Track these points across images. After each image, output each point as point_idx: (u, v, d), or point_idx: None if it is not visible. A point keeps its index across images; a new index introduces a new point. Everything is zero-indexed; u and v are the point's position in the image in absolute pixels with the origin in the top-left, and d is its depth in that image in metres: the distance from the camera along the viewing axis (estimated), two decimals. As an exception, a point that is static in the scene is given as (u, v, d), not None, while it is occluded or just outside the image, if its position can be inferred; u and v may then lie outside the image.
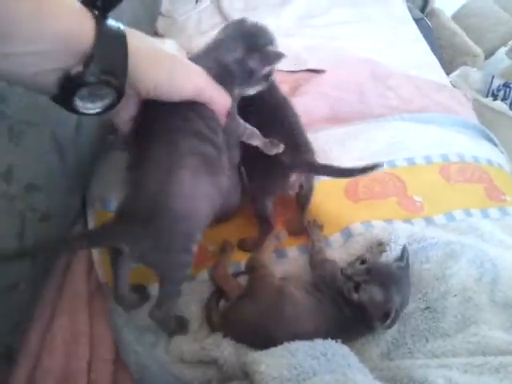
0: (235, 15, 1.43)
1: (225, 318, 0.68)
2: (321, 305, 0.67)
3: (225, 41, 0.66)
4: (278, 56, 0.67)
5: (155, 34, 1.33)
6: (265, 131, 0.74)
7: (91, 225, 0.80)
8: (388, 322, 0.62)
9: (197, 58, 0.63)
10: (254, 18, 1.41)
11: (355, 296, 0.65)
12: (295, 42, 1.36)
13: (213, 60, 0.64)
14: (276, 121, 0.80)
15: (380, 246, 0.79)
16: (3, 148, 0.61)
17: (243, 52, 0.65)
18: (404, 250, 0.73)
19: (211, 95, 0.61)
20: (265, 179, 0.81)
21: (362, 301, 0.64)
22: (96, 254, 0.78)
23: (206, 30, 1.40)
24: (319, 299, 0.68)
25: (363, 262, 0.69)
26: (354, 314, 0.66)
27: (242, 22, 0.68)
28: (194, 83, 0.58)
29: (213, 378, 0.65)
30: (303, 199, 0.86)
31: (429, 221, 0.88)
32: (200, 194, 0.59)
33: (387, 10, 1.63)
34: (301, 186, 0.83)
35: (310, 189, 0.85)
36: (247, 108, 0.74)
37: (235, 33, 0.66)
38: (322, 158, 0.98)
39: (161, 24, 1.40)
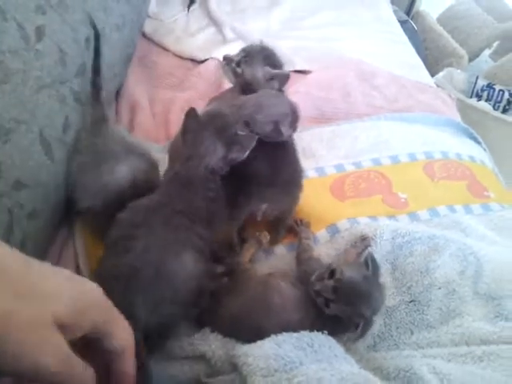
0: (223, 17, 1.45)
1: (211, 313, 0.69)
2: (305, 299, 0.68)
3: (204, 143, 0.68)
4: (252, 138, 0.71)
5: (143, 35, 1.34)
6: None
7: (77, 225, 0.80)
8: (357, 333, 0.63)
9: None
10: (241, 20, 1.44)
11: (326, 311, 0.65)
12: (283, 44, 1.37)
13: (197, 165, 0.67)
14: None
15: (364, 240, 0.81)
16: (-9, 145, 0.62)
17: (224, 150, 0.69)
18: (368, 257, 0.70)
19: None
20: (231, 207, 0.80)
21: (333, 313, 0.65)
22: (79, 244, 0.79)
23: (193, 32, 1.42)
24: (304, 293, 0.69)
25: (331, 274, 0.66)
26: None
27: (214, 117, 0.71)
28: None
29: (200, 372, 0.66)
30: (278, 222, 0.85)
31: (413, 216, 0.90)
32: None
33: (373, 13, 1.66)
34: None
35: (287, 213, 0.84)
36: None
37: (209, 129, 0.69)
38: (308, 157, 1.01)
39: (148, 26, 1.41)
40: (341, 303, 0.64)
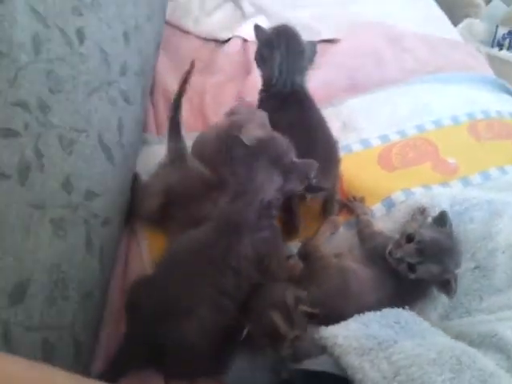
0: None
1: None
2: (379, 276, 0.69)
3: (258, 176, 0.64)
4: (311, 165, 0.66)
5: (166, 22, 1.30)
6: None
7: (139, 230, 0.81)
8: (453, 288, 0.64)
9: None
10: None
11: (412, 276, 0.66)
12: (304, 12, 1.34)
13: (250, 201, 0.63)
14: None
15: (423, 212, 0.81)
16: (58, 158, 0.62)
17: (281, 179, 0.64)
18: (443, 214, 0.72)
19: None
20: None
21: (420, 277, 0.66)
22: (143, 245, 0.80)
23: (210, 10, 1.38)
24: (376, 271, 0.70)
25: (410, 238, 0.68)
26: (411, 282, 0.68)
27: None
28: None
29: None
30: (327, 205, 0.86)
31: (465, 181, 0.90)
32: None
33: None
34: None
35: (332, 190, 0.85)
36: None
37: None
38: (350, 130, 1.00)
39: (164, 9, 1.37)
40: (428, 263, 0.65)
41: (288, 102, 0.86)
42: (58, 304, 0.55)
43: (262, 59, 0.88)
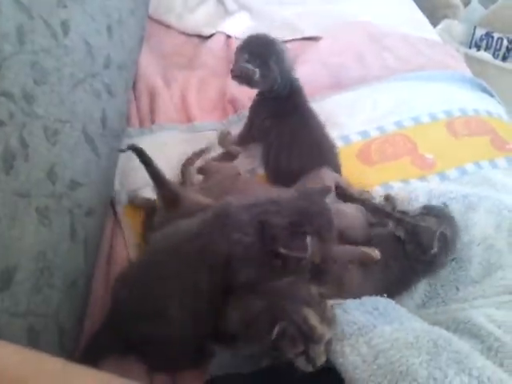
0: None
1: None
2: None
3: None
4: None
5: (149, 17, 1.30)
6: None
7: (123, 220, 0.82)
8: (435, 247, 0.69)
9: None
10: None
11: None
12: (286, 10, 1.36)
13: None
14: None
15: (388, 200, 0.84)
16: (43, 148, 0.62)
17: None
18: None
19: None
20: None
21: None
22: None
23: (193, 7, 1.38)
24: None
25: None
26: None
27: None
28: None
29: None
30: None
31: (442, 176, 0.93)
32: None
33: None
34: None
35: None
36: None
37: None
38: (331, 126, 1.02)
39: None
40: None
41: (287, 105, 0.87)
42: (43, 292, 0.56)
43: (261, 77, 0.85)
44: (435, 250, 0.70)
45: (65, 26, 0.74)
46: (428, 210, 0.74)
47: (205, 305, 0.59)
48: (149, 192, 0.83)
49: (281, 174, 0.86)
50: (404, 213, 0.76)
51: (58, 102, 0.67)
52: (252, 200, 0.62)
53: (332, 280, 0.67)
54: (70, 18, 0.76)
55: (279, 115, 0.86)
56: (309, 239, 0.57)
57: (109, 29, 0.84)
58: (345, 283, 0.68)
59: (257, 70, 0.83)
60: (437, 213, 0.74)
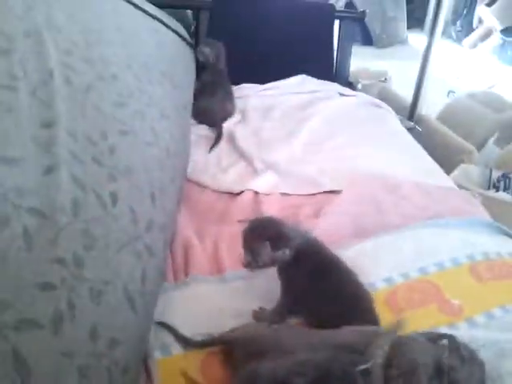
0: (250, 151, 1.60)
1: None
2: None
3: None
4: None
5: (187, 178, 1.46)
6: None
7: (155, 376, 0.83)
8: None
9: None
10: (266, 150, 1.57)
11: None
12: (309, 168, 1.50)
13: None
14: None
15: None
16: (88, 309, 0.69)
17: None
18: None
19: None
20: None
21: None
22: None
23: (226, 168, 1.55)
24: None
25: None
26: None
27: None
28: None
29: None
30: None
31: (470, 322, 0.93)
32: None
33: (383, 128, 1.82)
34: None
35: None
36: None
37: None
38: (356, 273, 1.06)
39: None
40: None
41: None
42: None
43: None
44: None
45: (113, 197, 0.86)
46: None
47: None
48: (179, 347, 0.87)
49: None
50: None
51: (103, 265, 0.76)
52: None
53: None
54: (118, 190, 0.88)
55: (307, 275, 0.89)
56: None
57: (152, 196, 0.96)
58: None
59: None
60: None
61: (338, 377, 0.61)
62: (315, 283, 0.88)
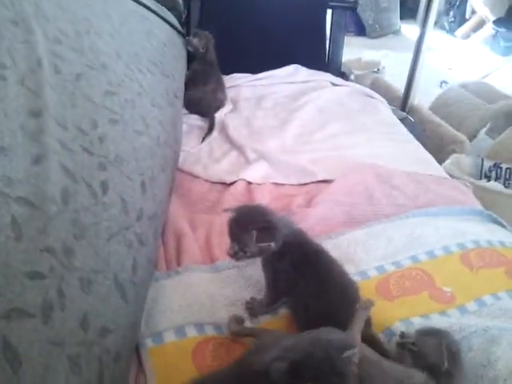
0: (242, 141, 1.59)
1: None
2: None
3: None
4: None
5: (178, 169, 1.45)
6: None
7: (147, 364, 0.84)
8: None
9: None
10: (259, 141, 1.57)
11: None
12: (301, 157, 1.50)
13: None
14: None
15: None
16: (78, 298, 0.68)
17: None
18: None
19: None
20: None
21: None
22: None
23: (218, 158, 1.55)
24: None
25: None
26: None
27: None
28: None
29: None
30: None
31: (462, 310, 0.94)
32: None
33: (375, 118, 1.82)
34: None
35: None
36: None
37: None
38: (347, 262, 1.07)
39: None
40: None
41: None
42: None
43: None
44: (446, 365, 0.72)
45: (103, 186, 0.85)
46: (424, 332, 0.78)
47: None
48: (171, 335, 0.88)
49: (311, 321, 0.86)
50: (405, 343, 0.78)
51: (93, 254, 0.75)
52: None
53: None
54: (109, 179, 0.87)
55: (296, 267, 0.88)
56: None
57: (142, 185, 0.96)
58: None
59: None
60: (433, 332, 0.78)
61: (319, 359, 0.61)
62: (300, 275, 0.87)
